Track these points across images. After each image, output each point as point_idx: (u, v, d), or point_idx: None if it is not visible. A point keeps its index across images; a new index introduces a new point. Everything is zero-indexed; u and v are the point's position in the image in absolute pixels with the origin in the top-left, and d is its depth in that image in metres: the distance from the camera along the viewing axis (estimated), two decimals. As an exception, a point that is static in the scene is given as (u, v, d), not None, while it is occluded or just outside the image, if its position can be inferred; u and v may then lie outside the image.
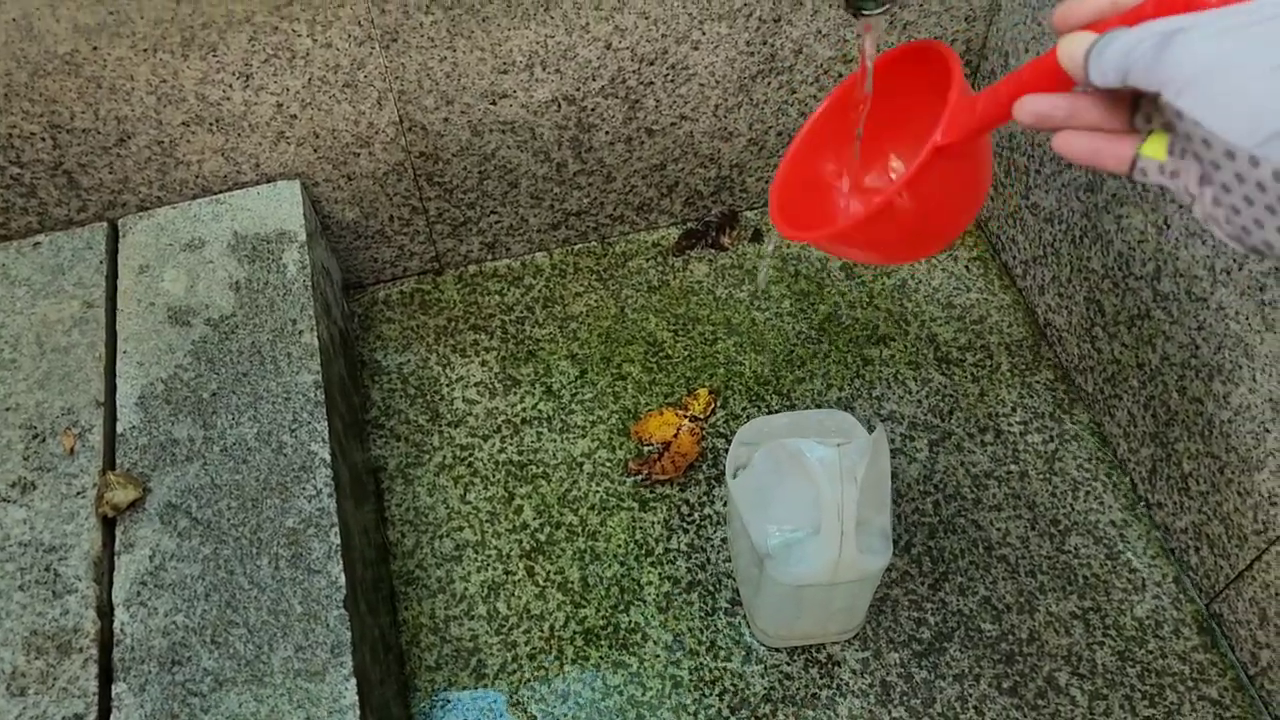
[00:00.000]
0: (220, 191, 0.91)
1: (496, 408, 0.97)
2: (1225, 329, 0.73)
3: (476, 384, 0.99)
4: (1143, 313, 0.82)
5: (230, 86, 0.83)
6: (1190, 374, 0.78)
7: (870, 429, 0.82)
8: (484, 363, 1.00)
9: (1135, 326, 0.84)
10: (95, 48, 0.78)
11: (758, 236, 1.09)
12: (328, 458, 0.76)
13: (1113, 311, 0.87)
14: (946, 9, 0.96)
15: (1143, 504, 0.88)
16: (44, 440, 0.77)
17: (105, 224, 0.90)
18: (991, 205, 1.04)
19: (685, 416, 0.95)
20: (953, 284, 1.04)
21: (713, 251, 1.08)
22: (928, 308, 1.02)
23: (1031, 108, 0.40)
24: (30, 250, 0.88)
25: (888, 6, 0.50)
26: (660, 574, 0.87)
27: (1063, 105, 0.39)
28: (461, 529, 0.90)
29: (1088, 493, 0.90)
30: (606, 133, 0.97)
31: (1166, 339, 0.80)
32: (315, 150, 0.90)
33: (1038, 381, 0.97)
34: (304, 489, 0.74)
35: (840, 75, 0.98)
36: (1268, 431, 0.71)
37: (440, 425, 0.96)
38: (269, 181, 0.92)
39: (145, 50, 0.79)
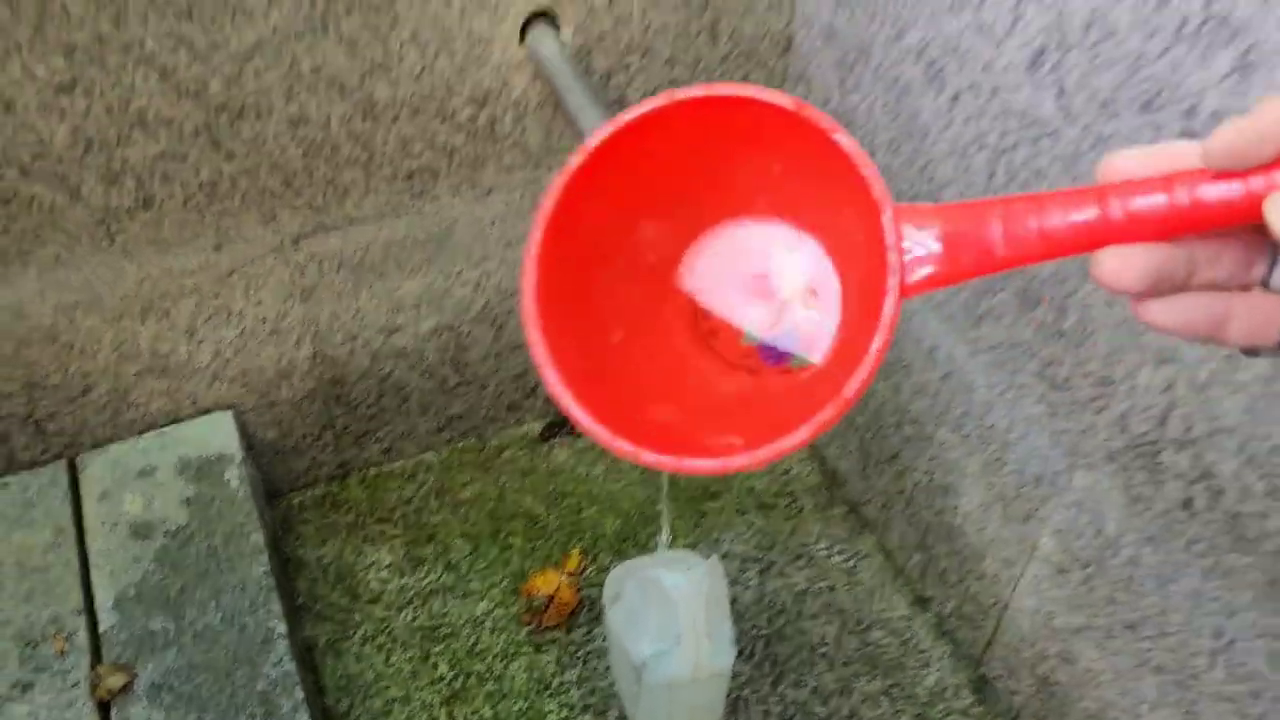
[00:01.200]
0: (164, 425, 1.10)
1: (406, 584, 1.16)
2: (947, 457, 1.02)
3: (387, 566, 1.18)
4: (895, 454, 1.11)
5: (178, 342, 1.04)
6: (933, 495, 1.06)
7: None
8: (391, 548, 1.19)
9: (892, 464, 1.12)
10: (71, 321, 0.98)
11: (606, 423, 1.34)
12: (285, 631, 0.94)
13: (877, 454, 1.15)
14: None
15: (920, 599, 1.14)
16: (36, 646, 0.92)
17: (65, 462, 1.06)
18: (785, 382, 1.33)
19: (564, 573, 1.17)
20: (763, 446, 1.31)
21: (570, 438, 1.32)
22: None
23: (1144, 264, 0.30)
24: (1, 490, 1.04)
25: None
26: (559, 703, 1.06)
27: (1182, 258, 0.30)
28: (388, 688, 1.07)
29: (880, 596, 1.15)
30: (479, 351, 1.22)
31: (913, 471, 1.08)
32: (244, 385, 1.11)
33: (834, 515, 1.24)
34: (268, 658, 0.92)
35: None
36: (984, 528, 0.99)
37: (360, 604, 1.14)
38: (205, 414, 1.11)
39: (112, 319, 0.99)
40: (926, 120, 0.89)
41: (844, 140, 0.36)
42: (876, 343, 0.34)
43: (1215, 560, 0.75)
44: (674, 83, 1.06)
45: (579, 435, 1.32)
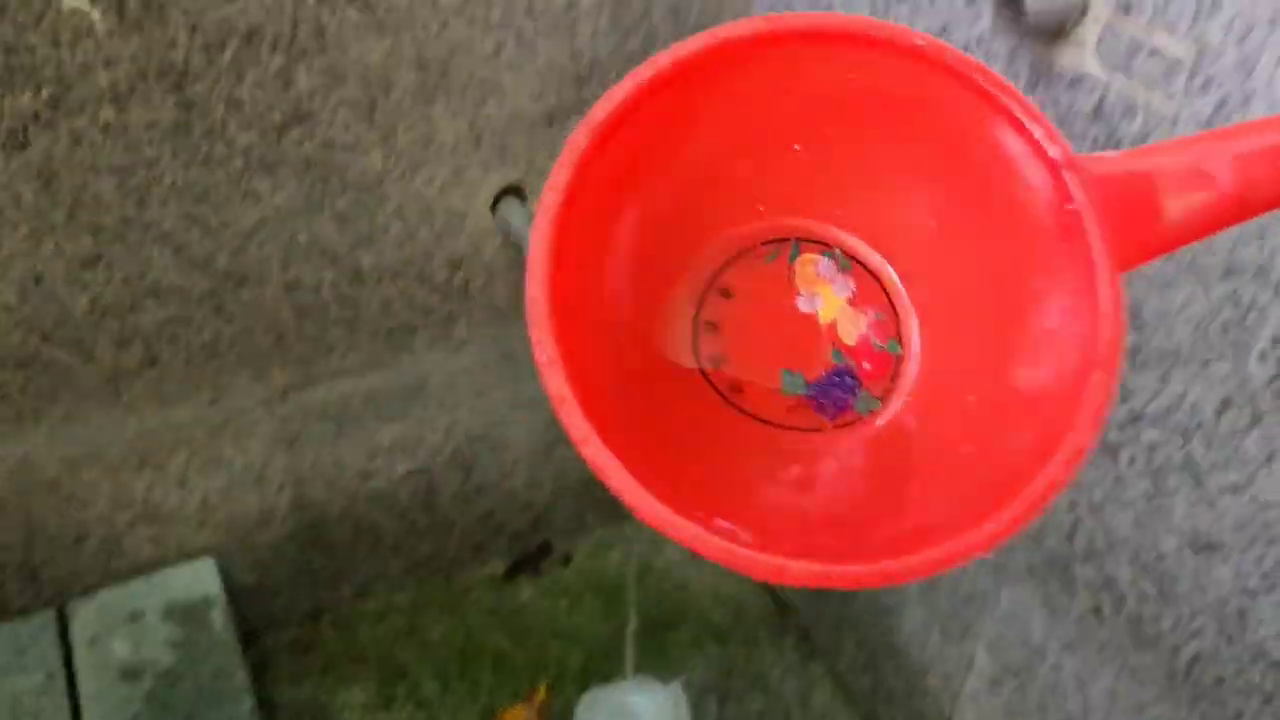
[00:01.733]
0: (151, 571, 1.15)
1: (380, 720, 1.21)
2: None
3: (361, 704, 1.22)
4: (841, 578, 1.20)
5: (169, 491, 1.11)
6: (878, 617, 1.15)
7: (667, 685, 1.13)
8: (364, 687, 1.24)
9: (838, 590, 1.21)
10: (74, 473, 1.04)
11: (567, 560, 1.41)
12: (272, 765, 0.98)
13: (825, 581, 1.24)
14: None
15: (869, 713, 1.22)
16: (28, 788, 0.95)
17: (54, 610, 1.11)
18: (735, 516, 1.42)
19: (533, 707, 1.22)
20: (717, 578, 1.40)
21: (534, 576, 1.39)
22: (702, 598, 1.37)
23: None
24: (-10, 638, 1.08)
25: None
26: (531, 831, 1.11)
27: None
28: (365, 823, 1.11)
29: (835, 715, 1.23)
30: (448, 494, 1.30)
31: (858, 596, 1.17)
32: (228, 531, 1.17)
33: (786, 643, 1.31)
34: (256, 792, 0.96)
35: (615, 435, 1.37)
36: (925, 646, 1.08)
37: (336, 741, 1.18)
38: (190, 559, 1.17)
39: (111, 471, 1.06)
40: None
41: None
42: (1106, 350, 0.24)
43: (1123, 661, 0.85)
44: (628, 247, 1.18)
45: (541, 574, 1.39)
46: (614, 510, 1.44)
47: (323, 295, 1.05)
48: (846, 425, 0.35)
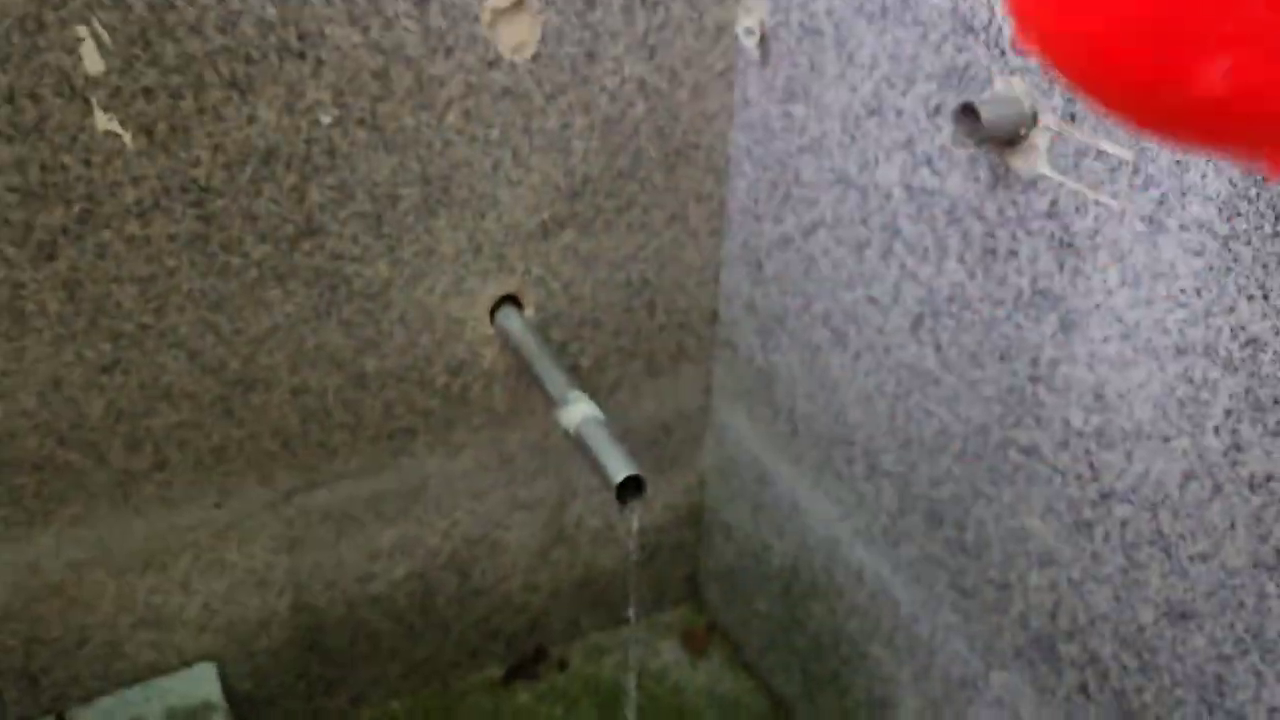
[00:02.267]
0: (150, 677, 1.16)
1: (377, 828, 1.20)
2: (882, 672, 1.13)
3: (357, 812, 1.21)
4: (835, 674, 1.21)
5: (172, 594, 1.13)
6: (873, 710, 1.16)
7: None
8: (361, 794, 1.24)
9: (834, 684, 1.22)
10: (79, 576, 1.06)
11: (563, 665, 1.42)
12: None
13: (819, 676, 1.25)
14: (671, 486, 1.41)
15: (871, 817, 1.22)
16: None
17: (53, 717, 1.11)
18: (729, 615, 1.44)
19: (530, 810, 1.21)
20: (713, 679, 1.40)
21: (531, 681, 1.40)
22: (698, 700, 1.37)
23: None
24: (-11, 746, 1.08)
25: (642, 499, 0.91)
26: None
27: None
28: None
29: (833, 816, 1.22)
30: (445, 597, 1.31)
31: (853, 689, 1.19)
32: (228, 636, 1.19)
33: (784, 740, 1.32)
34: None
35: (609, 538, 1.39)
36: (921, 734, 1.09)
37: None
38: (188, 665, 1.18)
39: (116, 574, 1.08)
40: (836, 375, 1.07)
41: None
42: None
43: (1112, 737, 0.87)
44: (619, 350, 1.24)
45: (538, 678, 1.40)
46: (609, 613, 1.46)
47: (328, 400, 1.09)
48: None
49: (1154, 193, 0.73)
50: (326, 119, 0.95)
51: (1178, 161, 0.71)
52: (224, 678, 1.20)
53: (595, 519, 1.37)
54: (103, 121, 0.87)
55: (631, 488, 0.89)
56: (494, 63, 1.00)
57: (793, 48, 1.01)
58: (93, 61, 0.85)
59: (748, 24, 1.05)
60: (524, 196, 1.08)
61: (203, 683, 1.16)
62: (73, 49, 0.84)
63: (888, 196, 0.94)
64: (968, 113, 0.78)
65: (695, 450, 1.38)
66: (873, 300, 0.99)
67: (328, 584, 1.22)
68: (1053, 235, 0.80)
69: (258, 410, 1.06)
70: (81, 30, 0.83)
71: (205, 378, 1.02)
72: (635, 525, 0.91)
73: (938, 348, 0.93)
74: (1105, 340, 0.79)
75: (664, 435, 1.34)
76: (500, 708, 1.35)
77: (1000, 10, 0.79)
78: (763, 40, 1.05)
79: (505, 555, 1.33)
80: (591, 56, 1.04)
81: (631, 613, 0.94)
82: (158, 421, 1.02)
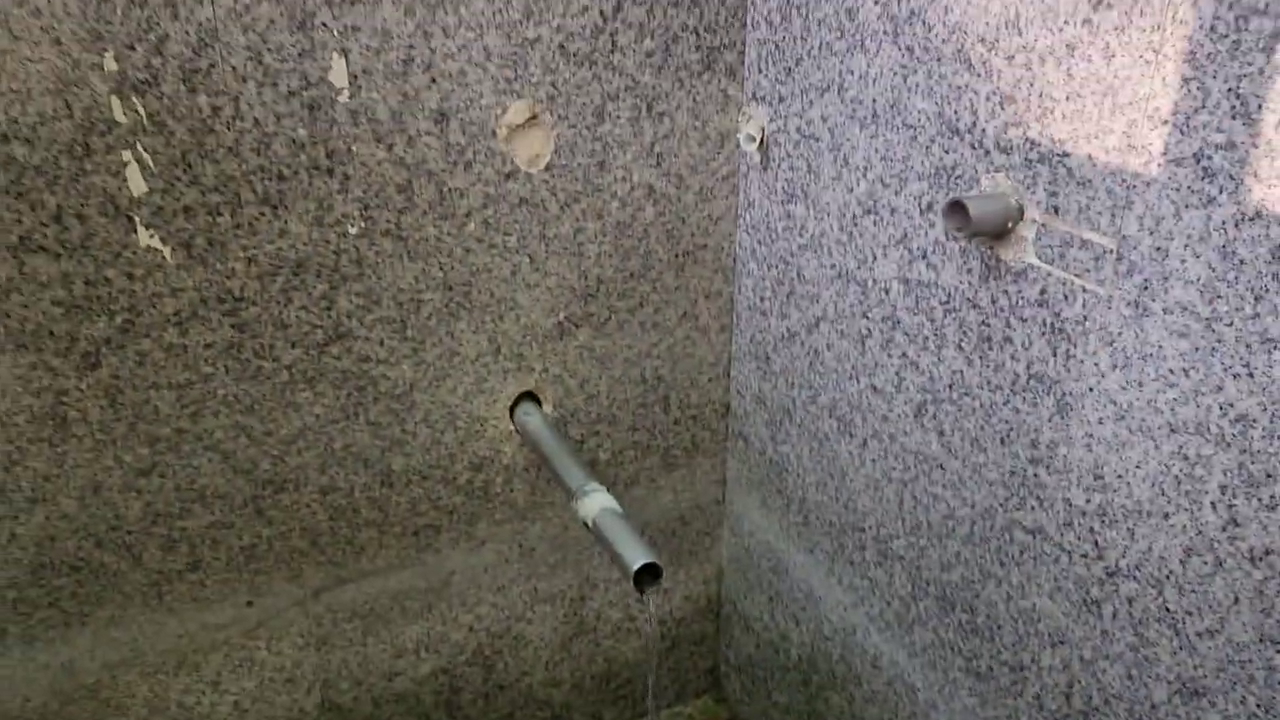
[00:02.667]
0: (179, 779, 1.17)
1: None
2: (904, 759, 1.13)
3: None
4: (859, 762, 1.21)
5: (203, 693, 1.15)
6: (897, 798, 1.16)
7: None
8: None
9: (858, 774, 1.22)
10: (113, 676, 1.09)
11: (587, 760, 1.42)
12: None
13: (843, 767, 1.25)
14: (690, 578, 1.43)
15: None
16: None
17: (82, 819, 1.13)
18: (749, 708, 1.44)
19: None
20: (737, 773, 1.40)
21: (555, 777, 1.40)
22: (722, 793, 1.37)
23: None
24: None
25: (658, 586, 0.93)
26: None
27: None
28: None
29: None
30: (470, 693, 1.33)
31: (877, 777, 1.19)
32: (256, 735, 1.20)
33: (810, 835, 1.31)
34: None
35: (630, 630, 1.41)
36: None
37: None
38: (217, 765, 1.19)
39: (149, 674, 1.11)
40: (843, 463, 1.10)
41: None
42: None
43: (1134, 817, 0.87)
44: (635, 445, 1.27)
45: (563, 774, 1.40)
46: (631, 706, 1.46)
47: (355, 498, 1.13)
48: None
49: (1137, 278, 0.76)
50: (354, 230, 1.01)
51: (1158, 248, 0.75)
52: (251, 778, 1.21)
53: (615, 611, 1.38)
54: (145, 238, 0.93)
55: (649, 576, 0.92)
56: (511, 174, 1.06)
57: (791, 152, 1.07)
58: (136, 183, 0.91)
59: (749, 131, 1.11)
60: (541, 299, 1.13)
61: (230, 783, 1.17)
62: (118, 172, 0.90)
63: (886, 290, 0.98)
64: (957, 209, 0.83)
65: (713, 542, 1.41)
66: (876, 389, 1.02)
67: (355, 681, 1.23)
68: (1045, 322, 0.84)
69: (288, 509, 1.10)
70: (126, 155, 0.90)
71: (238, 478, 1.06)
72: (653, 612, 0.93)
73: (941, 433, 0.96)
74: (1101, 421, 0.82)
75: (682, 527, 1.37)
76: (525, 806, 1.35)
77: (982, 114, 0.84)
78: (763, 146, 1.10)
79: (528, 649, 1.34)
80: (602, 165, 1.10)
81: (651, 703, 0.95)
82: (192, 522, 1.05)
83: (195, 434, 1.02)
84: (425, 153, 1.01)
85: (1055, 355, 0.84)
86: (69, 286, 0.92)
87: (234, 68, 0.90)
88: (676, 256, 1.19)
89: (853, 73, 0.96)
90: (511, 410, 1.18)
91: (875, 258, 0.98)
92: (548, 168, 1.07)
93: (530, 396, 1.19)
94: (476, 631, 1.29)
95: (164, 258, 0.94)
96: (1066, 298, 0.82)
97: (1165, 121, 0.71)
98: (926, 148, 0.90)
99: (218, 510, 1.06)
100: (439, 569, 1.23)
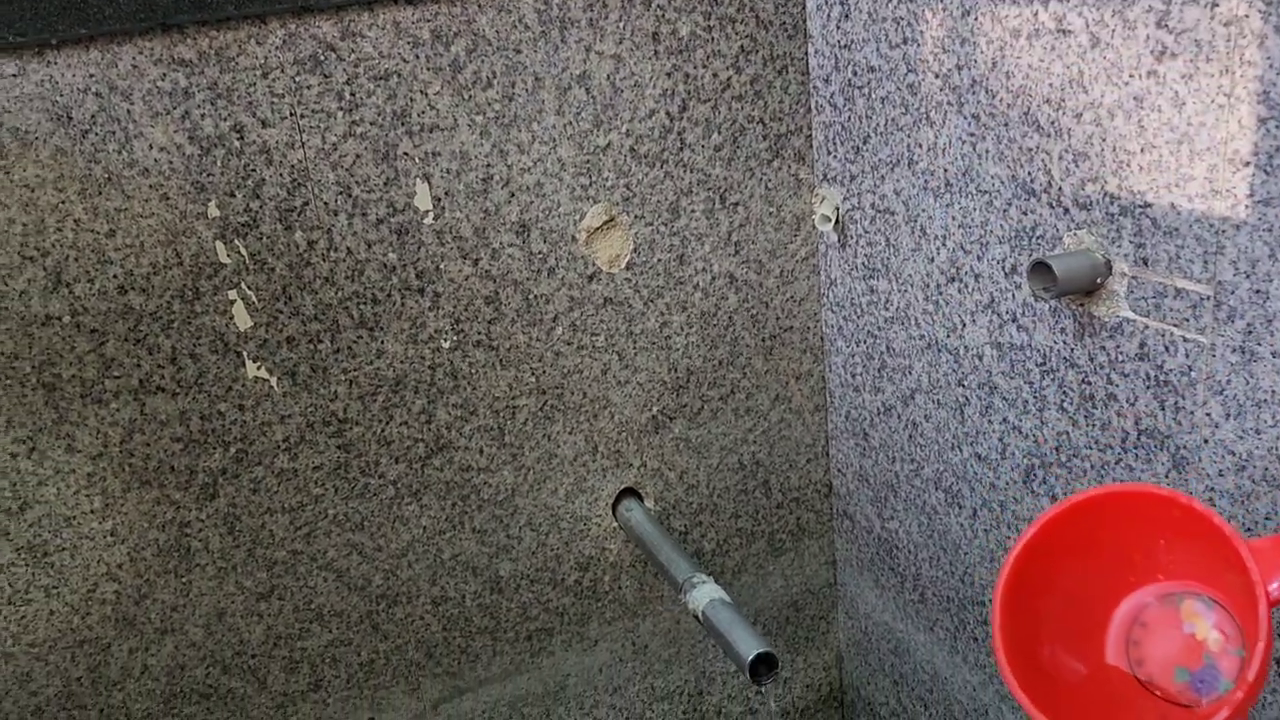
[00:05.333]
0: None
1: None
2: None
3: None
4: None
5: (331, 814, 1.16)
6: None
7: None
8: None
9: None
10: (245, 802, 1.11)
11: None
12: None
13: None
14: (809, 665, 1.40)
15: None
16: None
17: None
18: (885, 800, 1.38)
19: None
20: None
21: None
22: None
23: None
24: None
25: (775, 676, 0.91)
26: None
27: None
28: None
29: None
30: (595, 799, 1.31)
31: None
32: None
33: None
34: None
35: (752, 724, 1.38)
36: None
37: None
38: None
39: (278, 797, 1.12)
40: (955, 536, 1.07)
41: (1216, 519, 0.54)
42: (1260, 640, 0.49)
43: None
44: (740, 532, 1.26)
45: None
46: (761, 805, 1.42)
47: (466, 606, 1.14)
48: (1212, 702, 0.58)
49: (1240, 324, 0.74)
50: (447, 345, 1.04)
51: (1258, 291, 0.73)
52: None
53: (735, 704, 1.36)
54: (252, 370, 0.98)
55: (764, 667, 0.90)
56: (593, 276, 1.08)
57: (868, 229, 1.07)
58: (242, 319, 0.96)
59: (824, 212, 1.12)
60: (633, 395, 1.14)
61: None
62: (225, 310, 0.95)
63: (979, 356, 0.97)
64: (1041, 269, 0.82)
65: (828, 626, 1.38)
66: (980, 458, 1.00)
67: (478, 793, 1.23)
68: (1148, 375, 0.82)
69: (402, 622, 1.11)
70: (232, 294, 0.95)
71: (352, 595, 1.08)
72: (774, 708, 0.91)
73: (1053, 498, 0.93)
74: (1221, 474, 0.79)
75: (795, 613, 1.34)
76: None
77: (1057, 173, 0.84)
78: (839, 225, 1.11)
79: (649, 750, 1.32)
80: (682, 259, 1.11)
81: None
82: (312, 642, 1.08)
83: (310, 555, 1.05)
84: (510, 264, 1.04)
85: (1164, 409, 0.81)
86: (186, 423, 0.97)
87: (325, 203, 0.95)
88: (764, 340, 1.19)
89: (921, 145, 0.97)
90: (614, 507, 1.19)
91: (964, 324, 0.97)
92: (629, 266, 1.10)
93: (631, 492, 1.19)
94: (596, 734, 1.28)
95: (271, 387, 0.98)
96: (1167, 349, 0.80)
97: (1247, 163, 0.69)
98: (1004, 211, 0.90)
99: (335, 628, 1.08)
100: (554, 672, 1.22)
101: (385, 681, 1.13)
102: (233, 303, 0.95)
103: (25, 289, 0.89)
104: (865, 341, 1.13)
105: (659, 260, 1.11)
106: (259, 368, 0.98)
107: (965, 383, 0.99)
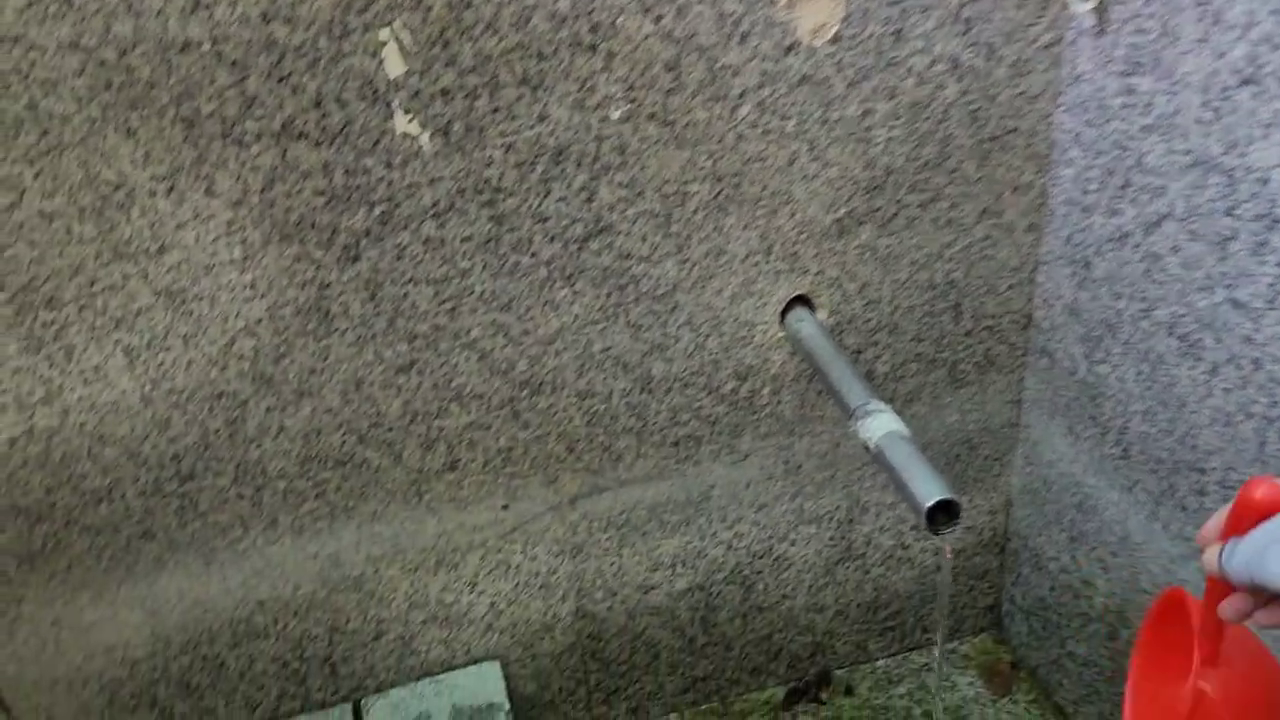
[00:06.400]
0: (439, 673, 1.18)
1: None
2: None
3: (634, 828, 1.18)
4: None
5: (461, 592, 1.14)
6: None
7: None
8: (638, 809, 1.20)
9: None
10: (376, 570, 1.09)
11: (849, 691, 1.33)
12: None
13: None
14: (974, 506, 1.28)
15: None
16: None
17: (350, 705, 1.15)
18: (1037, 654, 1.29)
19: None
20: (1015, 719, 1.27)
21: (814, 705, 1.32)
22: (1000, 743, 1.24)
23: (1232, 608, 0.52)
24: (295, 727, 1.13)
25: (955, 526, 0.80)
26: None
27: (1248, 601, 0.50)
28: None
29: None
30: (727, 612, 1.26)
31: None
32: (512, 637, 1.19)
33: (1103, 802, 1.16)
34: None
35: (902, 559, 1.29)
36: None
37: None
38: (475, 663, 1.19)
39: (409, 570, 1.10)
40: (1183, 391, 0.92)
41: None
42: None
43: None
44: (919, 357, 1.13)
45: (822, 703, 1.31)
46: (899, 638, 1.35)
47: (613, 403, 1.06)
48: None
49: None
50: (616, 114, 0.91)
51: None
52: (507, 679, 1.20)
53: (887, 537, 1.27)
54: (402, 124, 0.88)
55: (943, 513, 0.79)
56: (791, 48, 0.92)
57: (1139, 10, 0.87)
58: (394, 64, 0.85)
59: (1083, -13, 0.92)
60: (820, 192, 1.00)
61: (488, 681, 1.17)
62: (375, 52, 0.84)
63: (1264, 181, 0.78)
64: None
65: (1002, 469, 1.25)
66: (1238, 305, 0.83)
67: (609, 592, 1.19)
68: None
69: (544, 413, 1.05)
70: (384, 33, 0.84)
71: (494, 379, 1.01)
72: (948, 558, 0.80)
73: (1329, 362, 0.76)
74: None
75: (967, 451, 1.22)
76: (781, 732, 1.28)
77: None
78: (1100, 6, 0.91)
79: (789, 570, 1.25)
80: (898, 36, 0.94)
81: (938, 652, 0.84)
82: (449, 422, 1.02)
83: (453, 331, 0.97)
84: (696, 24, 0.89)
85: None
86: (329, 175, 0.88)
87: (492, -71, 0.81)
88: (980, 142, 1.02)
89: (1238, -100, 0.75)
90: (783, 315, 1.07)
91: (1252, 141, 0.78)
92: (834, 39, 0.93)
93: (803, 301, 1.07)
94: (736, 549, 1.21)
95: (421, 145, 0.88)
96: None
97: None
98: (1343, -8, 0.69)
99: (474, 411, 1.02)
100: (699, 482, 1.15)
101: (522, 470, 1.08)
102: (384, 44, 0.84)
103: (163, 8, 0.79)
104: (1109, 153, 0.94)
105: (871, 34, 0.93)
106: (410, 121, 0.88)
107: (1237, 212, 0.81)
